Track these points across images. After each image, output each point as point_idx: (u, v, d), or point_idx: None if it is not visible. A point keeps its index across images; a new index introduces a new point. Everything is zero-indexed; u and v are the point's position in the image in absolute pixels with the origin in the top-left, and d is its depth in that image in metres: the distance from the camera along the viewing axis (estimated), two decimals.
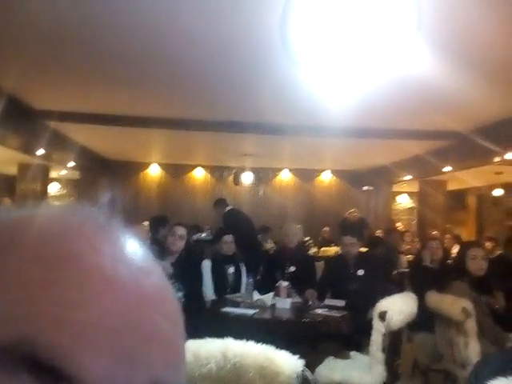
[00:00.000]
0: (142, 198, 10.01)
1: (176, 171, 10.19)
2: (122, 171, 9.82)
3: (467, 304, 2.82)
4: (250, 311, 3.03)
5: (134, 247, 0.30)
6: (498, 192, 10.01)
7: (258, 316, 2.98)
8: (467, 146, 6.19)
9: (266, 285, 3.51)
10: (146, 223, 6.85)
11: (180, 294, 2.90)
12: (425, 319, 3.10)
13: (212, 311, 3.25)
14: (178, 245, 3.31)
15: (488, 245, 7.23)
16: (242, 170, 9.53)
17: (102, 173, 9.51)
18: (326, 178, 10.50)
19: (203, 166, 10.28)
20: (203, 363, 1.25)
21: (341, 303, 3.37)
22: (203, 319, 2.89)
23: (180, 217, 7.26)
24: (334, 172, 10.40)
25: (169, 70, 4.13)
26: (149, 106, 5.50)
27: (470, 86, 4.26)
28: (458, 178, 8.76)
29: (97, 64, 3.99)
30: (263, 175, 10.20)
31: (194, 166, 10.24)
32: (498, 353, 1.72)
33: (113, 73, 4.24)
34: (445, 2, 2.68)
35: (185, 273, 3.16)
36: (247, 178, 9.68)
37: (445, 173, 7.69)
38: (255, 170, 9.64)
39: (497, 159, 6.31)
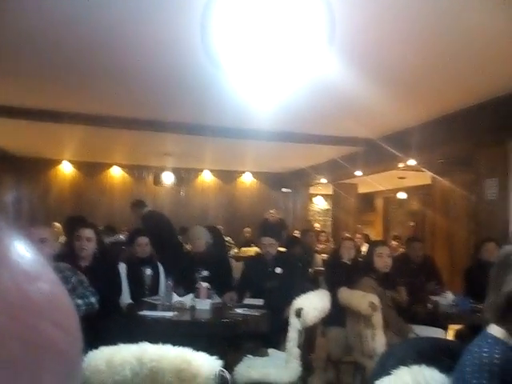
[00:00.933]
0: (52, 198, 9.34)
1: (90, 169, 9.65)
2: (29, 168, 9.07)
3: (374, 299, 3.03)
4: (169, 314, 2.98)
5: (20, 251, 0.27)
6: (401, 195, 10.91)
7: (177, 318, 2.95)
8: (375, 152, 6.67)
9: (185, 286, 3.47)
10: (58, 224, 6.43)
11: (93, 300, 2.76)
12: (337, 314, 3.27)
13: (129, 315, 3.14)
14: (87, 248, 3.14)
15: (393, 244, 7.84)
16: (163, 169, 9.33)
17: (6, 169, 8.72)
18: (247, 179, 10.66)
19: (120, 165, 9.88)
20: (117, 370, 1.21)
21: (260, 302, 3.44)
22: (119, 324, 2.79)
23: (95, 218, 6.90)
24: (255, 174, 10.59)
25: (85, 65, 3.93)
26: (61, 100, 5.17)
27: (380, 97, 4.60)
28: (367, 181, 9.41)
29: (3, 53, 3.67)
30: (184, 176, 10.07)
31: (110, 165, 9.80)
32: (401, 344, 1.87)
33: (21, 63, 3.93)
34: (359, 14, 2.87)
35: (100, 277, 3.02)
36: (168, 179, 9.49)
37: (356, 177, 8.21)
38: (176, 171, 9.48)
39: (401, 165, 6.89)
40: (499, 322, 1.12)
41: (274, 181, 10.53)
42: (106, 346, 1.29)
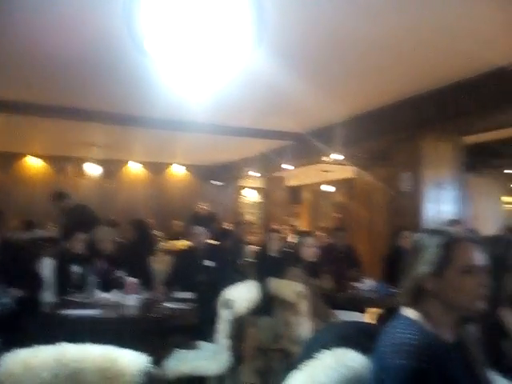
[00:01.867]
0: None
1: (4, 160, 8.91)
2: None
3: (301, 287, 3.15)
4: (94, 311, 2.86)
5: None
6: (327, 188, 11.37)
7: (102, 316, 2.83)
8: (303, 146, 6.89)
9: (111, 282, 3.35)
10: None
11: (5, 300, 2.56)
12: (266, 304, 3.35)
13: (51, 315, 2.96)
14: None
15: (320, 234, 8.17)
16: (88, 160, 8.86)
17: None
18: (178, 171, 10.48)
19: (41, 156, 9.21)
20: (35, 373, 1.14)
21: (189, 295, 3.42)
22: (39, 324, 2.62)
23: (9, 212, 6.39)
24: (186, 166, 10.45)
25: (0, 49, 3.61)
26: None
27: (307, 93, 4.75)
28: (295, 174, 9.69)
29: None
30: (112, 167, 9.66)
31: (25, 155, 9.10)
32: (324, 328, 1.96)
33: None
34: (286, 11, 2.92)
35: (13, 275, 2.81)
36: (94, 170, 9.04)
37: (285, 170, 8.41)
38: (103, 162, 9.06)
39: (327, 159, 7.18)
40: (411, 305, 1.22)
41: (205, 173, 10.46)
42: (23, 348, 1.21)
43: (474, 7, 2.86)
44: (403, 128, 4.98)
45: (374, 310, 4.00)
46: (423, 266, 1.21)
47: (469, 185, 7.49)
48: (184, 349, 2.84)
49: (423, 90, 4.55)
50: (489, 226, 6.60)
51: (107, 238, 3.77)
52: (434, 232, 1.26)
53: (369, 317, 4.03)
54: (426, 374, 1.04)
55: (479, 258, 1.20)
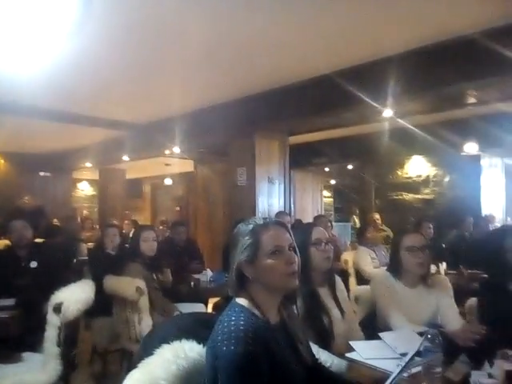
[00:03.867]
0: None
1: None
2: None
3: (140, 283, 3.08)
4: None
5: None
6: (168, 181, 11.32)
7: None
8: (143, 138, 6.70)
9: None
10: None
11: None
12: (103, 304, 3.17)
13: None
14: None
15: (161, 228, 8.10)
16: None
17: None
18: None
19: None
20: None
21: (10, 302, 3.01)
22: None
23: None
24: (5, 154, 9.07)
25: None
26: None
27: (145, 84, 4.63)
28: (135, 167, 9.37)
29: None
30: None
31: None
32: (162, 323, 1.96)
33: None
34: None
35: None
36: None
37: (123, 162, 8.05)
38: None
39: (167, 152, 7.13)
40: (239, 293, 1.31)
41: (29, 163, 9.24)
42: None
43: (299, 17, 3.18)
44: (239, 125, 5.26)
45: (217, 299, 4.16)
46: (240, 255, 1.29)
47: (295, 180, 8.38)
48: (5, 363, 2.50)
49: (258, 90, 4.88)
50: (311, 217, 7.50)
51: None
52: (245, 222, 1.35)
53: (212, 307, 4.18)
54: (254, 357, 1.12)
55: (283, 239, 1.31)
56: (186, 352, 1.30)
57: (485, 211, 6.52)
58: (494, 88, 3.95)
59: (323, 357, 1.68)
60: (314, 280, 2.05)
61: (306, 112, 4.67)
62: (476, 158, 6.65)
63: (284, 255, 1.28)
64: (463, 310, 2.42)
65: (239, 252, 1.29)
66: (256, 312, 1.25)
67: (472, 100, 4.57)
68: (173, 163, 9.13)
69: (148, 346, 1.37)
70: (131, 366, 1.28)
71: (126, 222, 8.24)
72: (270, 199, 5.37)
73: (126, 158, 7.60)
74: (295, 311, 1.51)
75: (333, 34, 3.42)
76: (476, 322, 1.97)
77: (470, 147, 6.32)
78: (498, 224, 6.08)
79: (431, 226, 5.20)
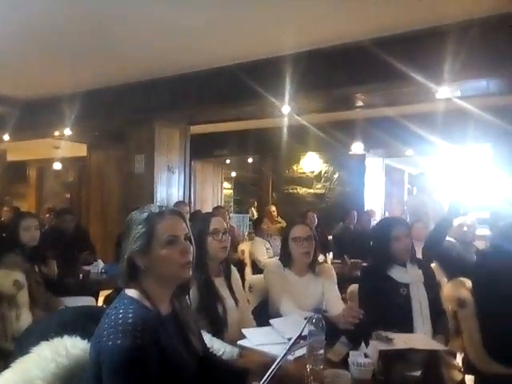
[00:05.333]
0: None
1: None
2: None
3: (19, 276, 2.82)
4: None
5: None
6: (57, 166, 10.44)
7: None
8: (28, 116, 6.07)
9: None
10: None
11: None
12: None
13: None
14: None
15: (47, 216, 7.45)
16: None
17: None
18: None
19: None
20: None
21: None
22: None
23: None
24: None
25: None
26: None
27: (28, 56, 4.21)
28: (18, 148, 8.48)
29: None
30: None
31: None
32: (42, 319, 1.81)
33: None
34: None
35: None
36: None
37: (4, 141, 7.22)
38: None
39: (56, 133, 6.57)
40: (129, 284, 1.25)
41: None
42: None
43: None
44: (138, 110, 5.06)
45: (109, 292, 3.97)
46: (132, 244, 1.24)
47: (196, 170, 8.33)
48: None
49: (158, 76, 4.72)
50: (211, 207, 7.52)
51: None
52: (140, 210, 1.30)
53: (103, 300, 3.98)
54: (142, 351, 1.09)
55: (179, 228, 1.28)
56: (67, 349, 1.22)
57: (367, 206, 7.16)
58: (380, 93, 4.34)
59: (216, 345, 1.70)
60: (210, 269, 2.06)
61: (206, 102, 4.65)
62: (361, 158, 7.26)
63: (179, 245, 1.25)
64: (346, 296, 2.62)
65: (131, 241, 1.24)
66: (146, 303, 1.21)
67: (360, 103, 4.97)
68: (63, 146, 8.44)
69: (25, 344, 1.27)
70: (7, 366, 1.17)
71: (6, 208, 7.42)
72: (169, 188, 5.27)
73: (6, 137, 6.82)
74: (188, 301, 1.50)
75: (231, 27, 3.46)
76: (355, 306, 2.15)
77: (357, 147, 6.87)
78: (377, 218, 6.71)
79: (315, 216, 5.63)
